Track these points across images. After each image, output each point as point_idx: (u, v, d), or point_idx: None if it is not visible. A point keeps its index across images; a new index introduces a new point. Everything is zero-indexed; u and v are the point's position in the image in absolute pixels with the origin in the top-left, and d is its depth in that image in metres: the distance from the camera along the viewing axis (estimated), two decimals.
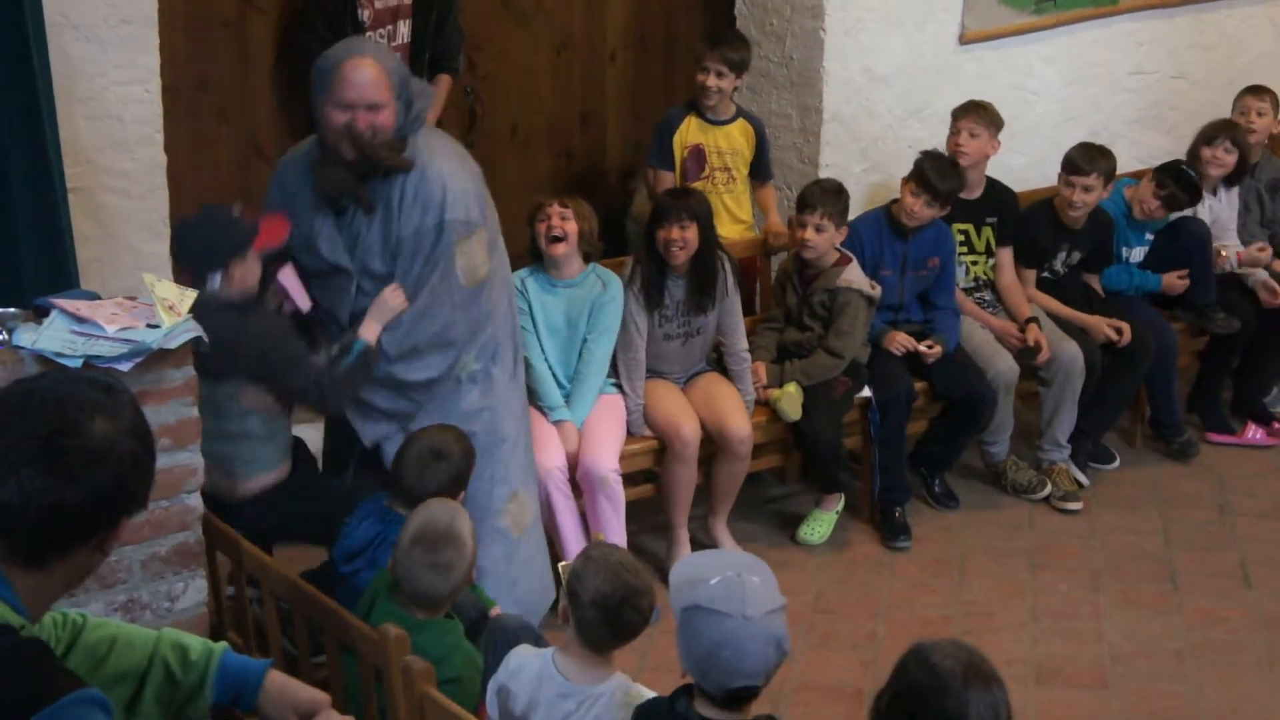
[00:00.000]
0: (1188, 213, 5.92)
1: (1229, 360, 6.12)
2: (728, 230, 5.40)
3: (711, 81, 5.39)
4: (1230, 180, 6.07)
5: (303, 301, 4.11)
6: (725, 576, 2.76)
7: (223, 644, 2.57)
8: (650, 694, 3.08)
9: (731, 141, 5.49)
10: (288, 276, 4.10)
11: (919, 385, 5.33)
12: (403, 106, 3.96)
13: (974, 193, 5.62)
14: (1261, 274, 6.03)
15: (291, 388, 3.96)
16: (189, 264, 3.87)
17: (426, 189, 3.99)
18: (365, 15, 4.97)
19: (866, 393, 5.26)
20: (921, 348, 5.30)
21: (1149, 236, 5.94)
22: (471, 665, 3.38)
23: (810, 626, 4.78)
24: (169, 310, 3.36)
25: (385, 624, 3.15)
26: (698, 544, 5.01)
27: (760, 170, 5.60)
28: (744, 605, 2.72)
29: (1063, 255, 5.77)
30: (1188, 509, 5.60)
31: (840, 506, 5.35)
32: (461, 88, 5.51)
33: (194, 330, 3.38)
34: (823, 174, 5.74)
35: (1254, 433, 6.10)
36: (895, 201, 5.41)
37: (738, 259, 5.36)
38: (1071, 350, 5.55)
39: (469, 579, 3.44)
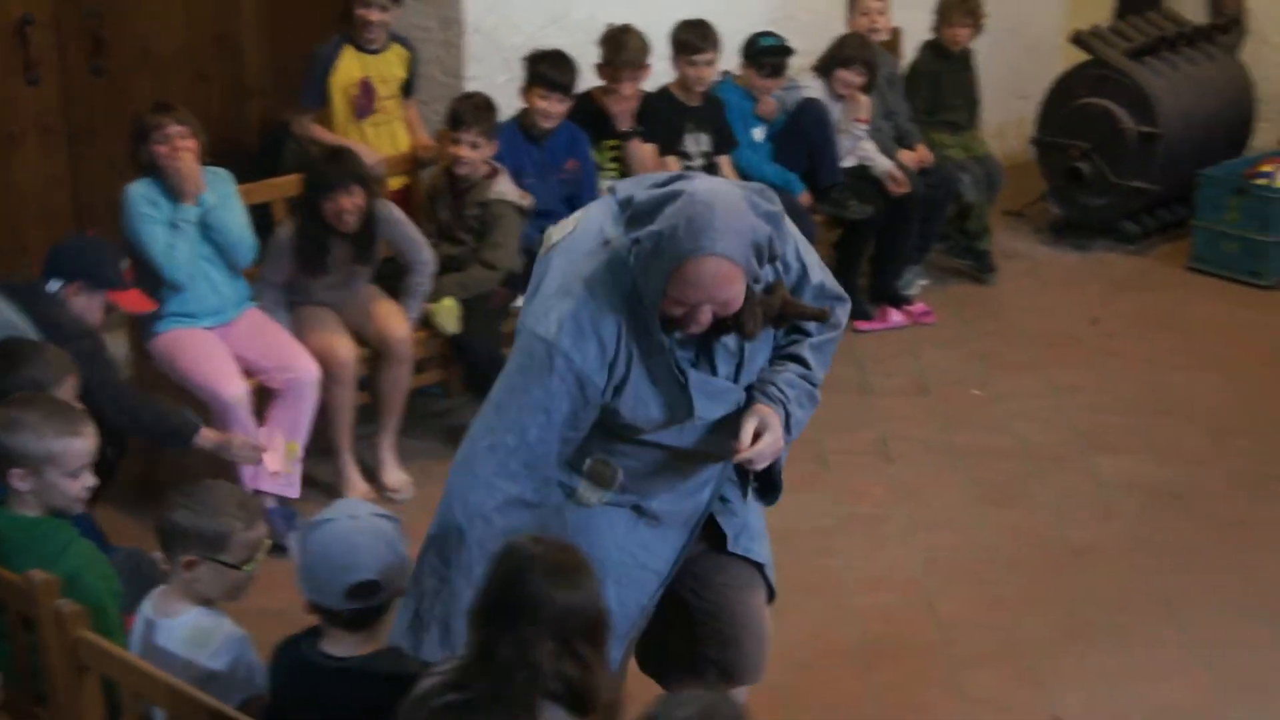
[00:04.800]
0: (809, 95, 6.18)
1: (863, 249, 6.42)
2: None
3: (375, 16, 5.33)
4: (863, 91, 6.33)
5: None
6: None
7: None
8: (229, 624, 3.08)
9: (392, 68, 5.48)
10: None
11: None
12: None
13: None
14: (886, 163, 6.34)
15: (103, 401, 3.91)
16: (52, 261, 4.16)
17: None
18: None
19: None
20: None
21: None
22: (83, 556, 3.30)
23: None
24: None
25: (31, 570, 3.05)
26: (367, 468, 5.05)
27: (410, 89, 5.59)
28: (347, 510, 2.79)
29: (690, 137, 5.93)
30: (833, 392, 5.76)
31: None
32: (81, 10, 5.28)
33: None
34: (468, 86, 5.74)
35: (894, 316, 6.45)
36: (525, 110, 5.46)
37: (388, 176, 5.37)
38: None
39: None
